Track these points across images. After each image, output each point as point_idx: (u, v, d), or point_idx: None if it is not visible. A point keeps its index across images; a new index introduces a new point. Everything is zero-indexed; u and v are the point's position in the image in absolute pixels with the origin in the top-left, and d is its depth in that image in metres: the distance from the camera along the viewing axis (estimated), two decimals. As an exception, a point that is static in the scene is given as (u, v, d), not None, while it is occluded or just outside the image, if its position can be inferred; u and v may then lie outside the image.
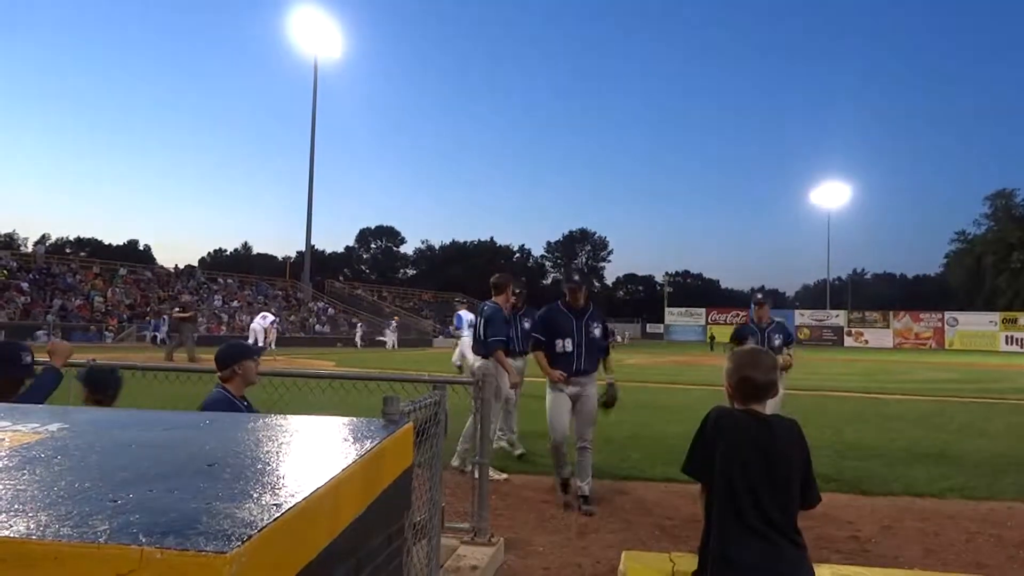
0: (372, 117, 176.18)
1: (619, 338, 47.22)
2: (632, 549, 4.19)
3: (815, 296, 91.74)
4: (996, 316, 62.33)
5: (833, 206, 76.64)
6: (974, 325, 62.00)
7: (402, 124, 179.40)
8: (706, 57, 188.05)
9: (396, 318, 48.08)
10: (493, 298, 7.26)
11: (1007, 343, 58.81)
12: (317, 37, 50.31)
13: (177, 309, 25.86)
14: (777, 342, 7.10)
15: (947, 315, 64.10)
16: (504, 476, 6.72)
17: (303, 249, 56.32)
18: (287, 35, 52.10)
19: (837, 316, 68.69)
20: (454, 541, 4.28)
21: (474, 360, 7.13)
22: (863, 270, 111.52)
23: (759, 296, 7.57)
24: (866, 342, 63.93)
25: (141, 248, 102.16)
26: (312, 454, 1.98)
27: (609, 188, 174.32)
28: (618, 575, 2.65)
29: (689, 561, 2.59)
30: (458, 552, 4.14)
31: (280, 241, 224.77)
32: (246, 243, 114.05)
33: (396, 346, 41.58)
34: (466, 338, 19.98)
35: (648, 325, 78.25)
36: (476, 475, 4.51)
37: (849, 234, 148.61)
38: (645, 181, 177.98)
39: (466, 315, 23.22)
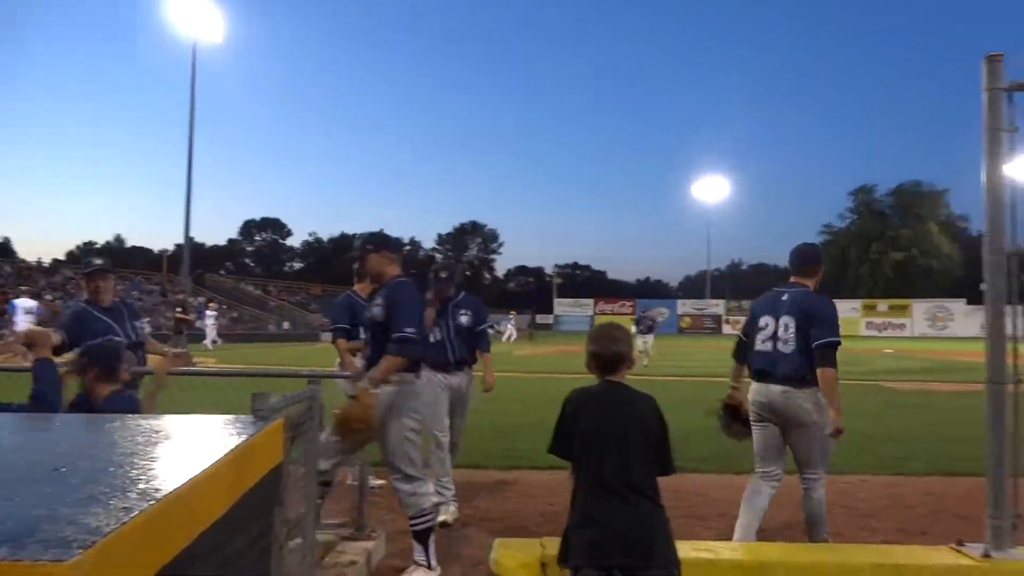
0: (256, 105, 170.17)
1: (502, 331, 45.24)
2: (512, 537, 4.28)
3: (696, 286, 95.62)
4: (858, 303, 66.75)
5: (712, 200, 79.87)
6: (839, 312, 65.83)
7: (288, 113, 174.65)
8: (592, 54, 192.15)
9: (513, 312, 46.70)
10: (355, 285, 6.42)
11: (867, 328, 63.19)
12: (196, 20, 48.01)
13: (179, 309, 25.14)
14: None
15: (815, 303, 68.12)
16: (379, 480, 6.10)
17: (182, 242, 53.80)
18: (164, 16, 49.40)
19: (716, 305, 71.83)
20: (333, 537, 4.23)
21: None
22: (740, 261, 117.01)
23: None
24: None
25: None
26: (172, 454, 1.92)
27: (499, 181, 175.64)
28: (489, 563, 2.70)
29: (559, 544, 2.70)
30: (337, 548, 4.10)
31: (156, 233, 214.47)
32: (119, 236, 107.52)
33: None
34: (21, 326, 19.73)
35: (538, 316, 79.35)
36: (355, 470, 4.46)
37: (728, 227, 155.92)
38: (535, 174, 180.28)
39: (21, 303, 22.52)
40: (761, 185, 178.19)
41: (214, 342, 31.82)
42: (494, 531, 4.91)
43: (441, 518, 5.21)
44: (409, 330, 4.00)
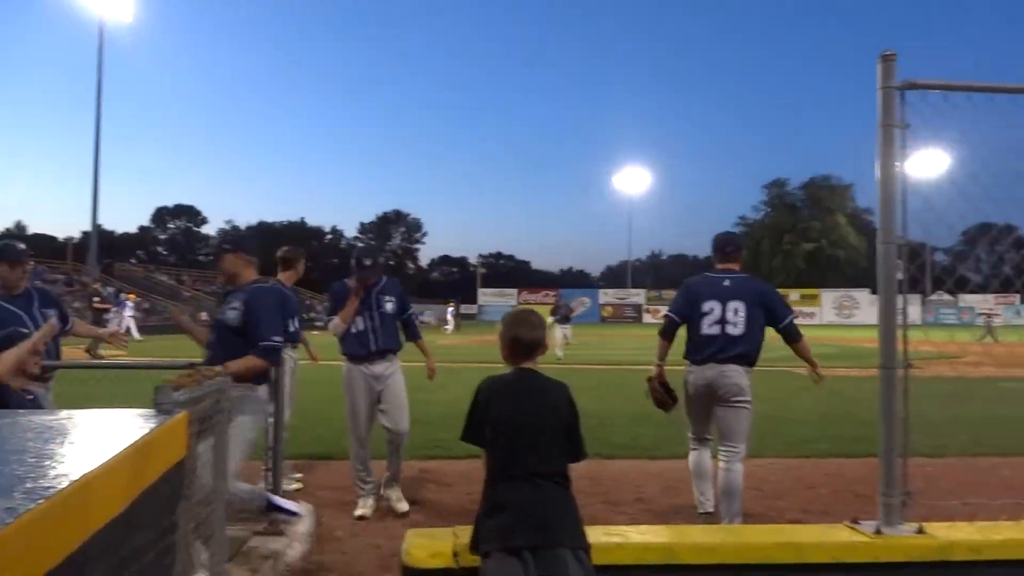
0: (169, 88, 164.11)
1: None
2: (431, 527, 4.28)
3: (618, 276, 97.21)
4: (772, 293, 69.18)
5: (634, 192, 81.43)
6: (754, 301, 68.37)
7: (203, 97, 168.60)
8: (516, 45, 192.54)
9: (452, 303, 47.97)
10: (280, 274, 6.30)
11: (780, 317, 65.64)
12: (103, -4, 45.73)
13: (96, 299, 24.00)
14: None
15: (731, 292, 70.29)
16: (296, 484, 5.97)
17: (89, 229, 51.40)
18: (66, -8, 46.87)
19: (637, 295, 73.34)
20: (246, 533, 4.13)
21: None
22: (660, 252, 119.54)
23: None
24: (663, 318, 68.81)
25: None
26: (65, 451, 1.84)
27: (423, 170, 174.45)
28: (401, 554, 2.70)
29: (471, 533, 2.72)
30: (250, 543, 4.01)
31: (61, 220, 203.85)
32: (19, 222, 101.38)
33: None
34: None
35: (462, 306, 79.31)
36: (268, 464, 4.36)
37: (648, 218, 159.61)
38: (459, 164, 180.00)
39: None
40: (680, 178, 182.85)
41: (127, 333, 30.62)
42: (411, 522, 4.91)
43: (359, 511, 5.19)
44: (277, 339, 4.00)
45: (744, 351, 4.70)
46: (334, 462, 6.80)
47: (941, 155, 3.61)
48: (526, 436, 2.68)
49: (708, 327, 4.74)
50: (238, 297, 4.06)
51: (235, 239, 4.28)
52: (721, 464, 4.72)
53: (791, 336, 4.84)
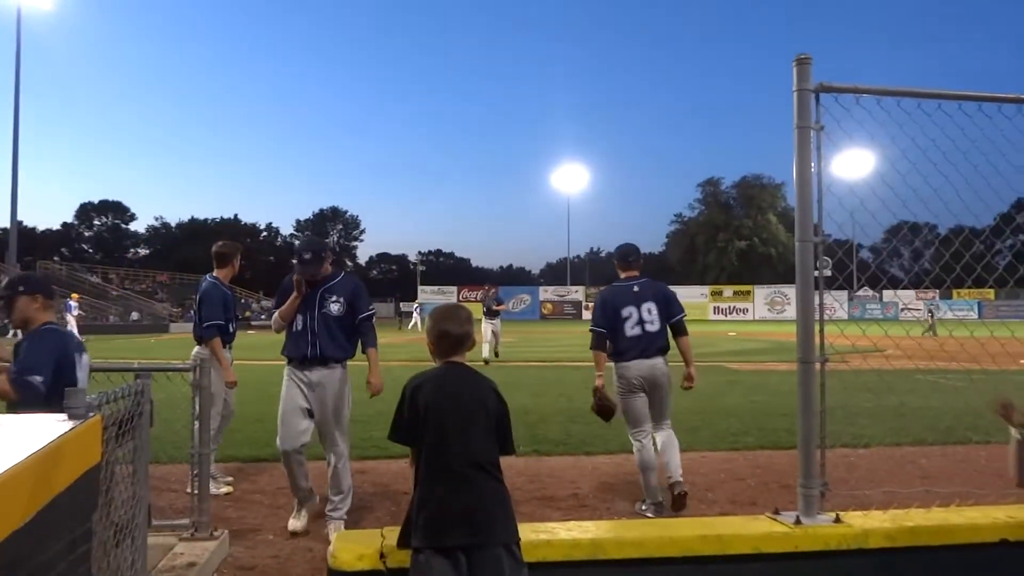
0: (95, 79, 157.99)
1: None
2: (367, 528, 4.25)
3: (557, 273, 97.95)
4: (706, 289, 70.65)
5: (573, 191, 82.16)
6: (689, 297, 69.44)
7: (131, 90, 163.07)
8: (454, 43, 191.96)
9: (418, 302, 50.09)
10: (215, 271, 6.10)
11: (715, 313, 67.03)
12: (19, -17, 43.78)
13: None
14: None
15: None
16: (226, 488, 5.80)
17: (7, 225, 49.27)
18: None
19: (576, 291, 73.92)
20: (171, 539, 4.02)
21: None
22: (599, 249, 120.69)
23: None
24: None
25: None
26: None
27: (361, 166, 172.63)
28: (328, 556, 2.67)
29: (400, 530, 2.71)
30: (175, 550, 3.89)
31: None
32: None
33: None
34: None
35: (402, 304, 78.78)
36: (194, 468, 4.25)
37: (587, 216, 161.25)
38: (397, 162, 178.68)
39: None
40: (618, 176, 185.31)
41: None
42: (346, 526, 4.83)
43: (291, 526, 4.81)
44: (37, 378, 3.53)
45: (663, 344, 5.37)
46: (267, 464, 6.68)
47: (865, 156, 3.75)
48: (456, 428, 2.68)
49: (631, 330, 5.30)
50: (27, 338, 3.76)
51: (31, 281, 3.86)
52: (665, 434, 5.36)
53: (680, 330, 5.44)
